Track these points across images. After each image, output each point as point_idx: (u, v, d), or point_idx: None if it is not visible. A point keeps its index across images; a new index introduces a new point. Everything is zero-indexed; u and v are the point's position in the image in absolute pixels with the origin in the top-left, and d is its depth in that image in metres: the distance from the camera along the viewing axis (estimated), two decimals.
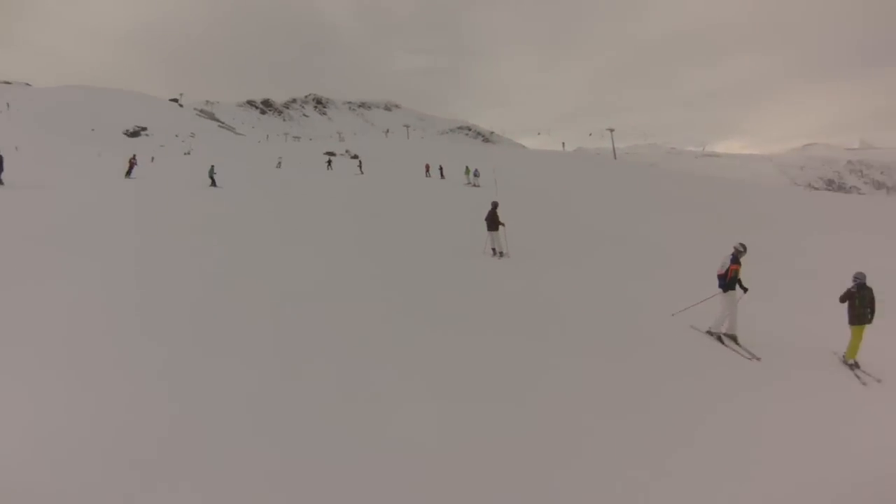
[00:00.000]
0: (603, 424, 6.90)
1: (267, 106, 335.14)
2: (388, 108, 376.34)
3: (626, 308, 12.35)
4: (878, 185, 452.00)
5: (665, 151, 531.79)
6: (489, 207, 16.60)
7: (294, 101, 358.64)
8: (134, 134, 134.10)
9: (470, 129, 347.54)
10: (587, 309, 11.95)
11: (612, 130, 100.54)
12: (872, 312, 10.34)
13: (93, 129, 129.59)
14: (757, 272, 12.17)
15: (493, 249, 16.43)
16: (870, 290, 10.31)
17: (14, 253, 11.82)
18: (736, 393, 8.31)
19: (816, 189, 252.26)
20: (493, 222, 16.31)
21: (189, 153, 54.95)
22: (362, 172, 42.09)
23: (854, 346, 10.26)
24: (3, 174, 21.75)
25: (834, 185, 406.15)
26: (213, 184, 28.91)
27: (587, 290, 13.57)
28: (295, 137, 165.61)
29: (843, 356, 10.36)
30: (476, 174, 39.48)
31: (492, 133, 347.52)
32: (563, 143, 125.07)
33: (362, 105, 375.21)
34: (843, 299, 10.42)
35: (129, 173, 30.96)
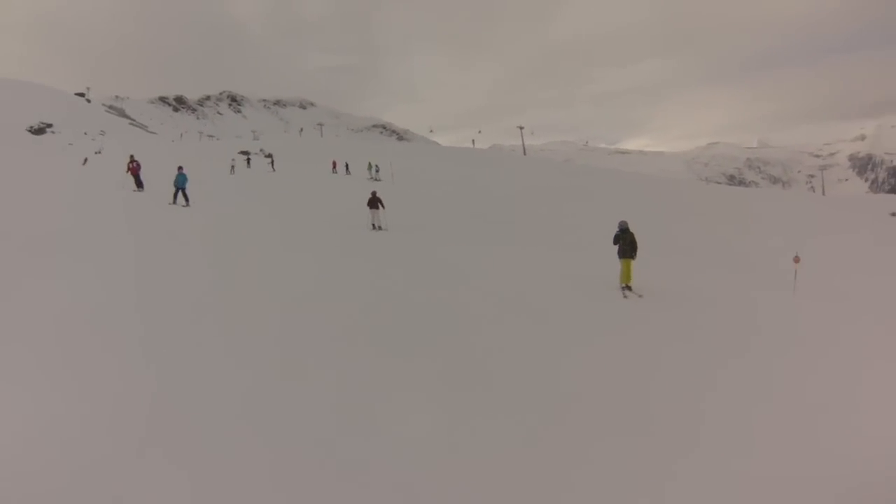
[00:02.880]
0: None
1: (180, 103, 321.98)
2: (303, 106, 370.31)
3: (500, 268, 16.14)
4: (774, 180, 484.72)
5: (579, 148, 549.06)
6: (370, 194, 22.35)
7: (208, 98, 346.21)
8: (39, 131, 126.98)
9: (385, 128, 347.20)
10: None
11: (521, 128, 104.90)
12: (634, 250, 14.38)
13: None
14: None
15: (373, 224, 21.77)
16: (631, 234, 14.55)
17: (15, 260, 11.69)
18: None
19: (719, 183, 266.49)
20: (373, 203, 21.91)
21: (100, 152, 54.65)
22: (274, 170, 44.00)
23: (624, 274, 14.47)
24: None
25: (735, 181, 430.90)
26: (181, 200, 22.43)
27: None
28: (209, 136, 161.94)
29: (620, 282, 14.51)
30: (377, 169, 43.75)
31: (406, 131, 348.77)
32: (474, 140, 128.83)
33: (277, 103, 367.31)
34: (613, 242, 14.68)
35: (139, 184, 25.12)
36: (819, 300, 15.67)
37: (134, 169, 25.41)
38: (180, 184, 22.16)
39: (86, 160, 41.75)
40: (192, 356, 7.40)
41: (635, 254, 14.43)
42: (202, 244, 15.39)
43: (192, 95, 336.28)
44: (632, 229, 14.57)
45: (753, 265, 20.77)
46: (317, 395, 6.95)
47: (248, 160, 48.80)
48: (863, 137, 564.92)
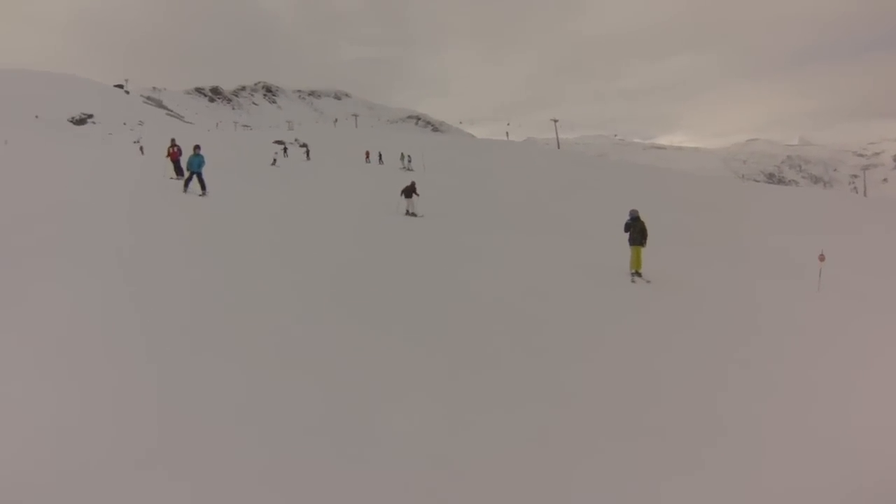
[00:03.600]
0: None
1: (216, 93, 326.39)
2: (337, 97, 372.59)
3: (520, 258, 16.25)
4: (815, 180, 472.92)
5: (613, 143, 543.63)
6: (407, 183, 23.38)
7: (243, 88, 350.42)
8: (80, 122, 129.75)
9: (420, 119, 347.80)
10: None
11: (556, 121, 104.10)
12: (644, 238, 15.10)
13: (36, 117, 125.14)
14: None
15: (407, 210, 22.63)
16: (642, 222, 15.23)
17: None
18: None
19: (757, 181, 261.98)
20: (409, 192, 22.88)
21: (138, 142, 55.48)
22: (309, 159, 44.38)
23: (634, 260, 15.13)
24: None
25: (774, 179, 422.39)
26: (194, 188, 20.00)
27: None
28: (245, 126, 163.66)
29: (630, 269, 15.17)
30: (409, 160, 44.42)
31: (442, 122, 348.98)
32: (507, 133, 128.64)
33: (312, 94, 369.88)
34: (625, 229, 15.36)
35: (179, 171, 22.46)
36: (843, 298, 15.51)
37: (174, 154, 23.13)
38: (195, 167, 19.03)
39: (141, 148, 43.01)
40: (198, 355, 7.05)
41: (645, 241, 15.16)
42: (231, 233, 14.99)
43: (227, 86, 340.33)
44: (645, 219, 15.27)
45: (776, 262, 20.52)
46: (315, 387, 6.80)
47: (285, 149, 49.09)
48: None
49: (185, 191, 18.86)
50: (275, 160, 38.17)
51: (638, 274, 15.08)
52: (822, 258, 16.50)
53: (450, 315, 10.14)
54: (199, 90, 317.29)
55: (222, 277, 10.32)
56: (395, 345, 8.38)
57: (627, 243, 15.34)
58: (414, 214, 22.37)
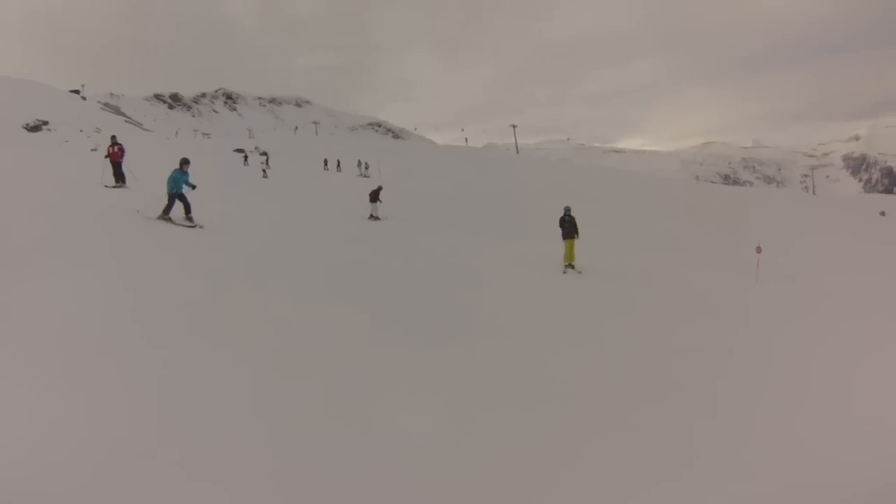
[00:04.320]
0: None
1: (175, 100, 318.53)
2: (298, 104, 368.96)
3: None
4: (769, 180, 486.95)
5: (574, 147, 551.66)
6: (374, 188, 24.99)
7: (203, 95, 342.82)
8: (35, 128, 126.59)
9: (380, 126, 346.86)
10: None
11: (514, 126, 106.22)
12: (576, 232, 16.67)
13: None
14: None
15: (371, 214, 23.88)
16: (573, 218, 16.71)
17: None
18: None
19: (714, 183, 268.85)
20: (374, 196, 24.31)
21: (96, 149, 55.18)
22: (269, 166, 44.34)
23: (567, 254, 16.61)
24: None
25: (730, 180, 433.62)
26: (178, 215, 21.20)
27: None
28: (205, 134, 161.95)
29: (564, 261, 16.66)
30: (366, 166, 46.40)
31: (402, 129, 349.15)
32: (466, 139, 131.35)
33: (273, 101, 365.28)
34: (559, 225, 16.80)
35: (120, 177, 19.48)
36: (777, 285, 17.34)
37: (115, 154, 19.44)
38: (177, 187, 14.75)
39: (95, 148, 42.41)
40: (193, 356, 7.08)
41: (577, 235, 16.69)
42: (199, 241, 14.72)
43: (187, 93, 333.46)
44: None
45: (721, 255, 22.53)
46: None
47: (246, 157, 49.37)
48: (857, 138, 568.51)
49: (163, 217, 14.53)
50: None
51: (571, 266, 16.43)
52: (758, 250, 18.39)
53: (404, 300, 11.34)
54: (158, 97, 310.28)
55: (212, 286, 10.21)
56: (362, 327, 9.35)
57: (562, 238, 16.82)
58: (377, 218, 23.76)
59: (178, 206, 14.81)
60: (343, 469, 5.22)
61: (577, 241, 16.69)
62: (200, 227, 14.54)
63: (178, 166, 15.02)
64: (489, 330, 10.16)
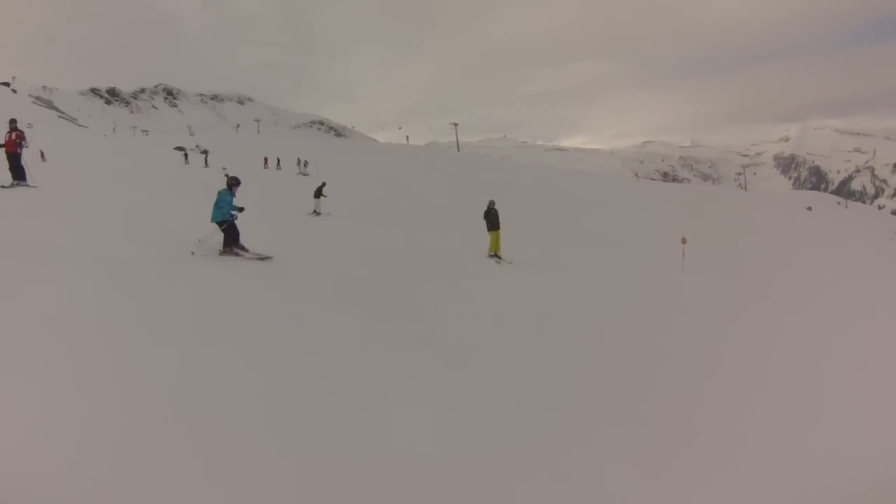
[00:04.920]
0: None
1: (113, 95, 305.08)
2: (241, 101, 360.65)
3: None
4: (706, 178, 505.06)
5: (517, 145, 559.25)
6: (317, 185, 26.47)
7: (143, 90, 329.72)
8: None
9: (322, 124, 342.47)
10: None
11: (456, 125, 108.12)
12: (498, 224, 17.45)
13: None
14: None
15: (314, 210, 25.14)
16: (496, 211, 17.62)
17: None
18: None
19: (654, 180, 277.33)
20: (318, 193, 25.67)
21: (27, 146, 53.45)
22: (207, 165, 44.85)
23: (493, 245, 17.56)
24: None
25: (669, 177, 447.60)
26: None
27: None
28: (144, 131, 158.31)
29: (489, 252, 17.56)
30: (306, 164, 47.43)
31: (345, 127, 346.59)
32: (408, 137, 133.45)
33: (214, 98, 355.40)
34: (484, 217, 17.71)
35: (18, 172, 15.85)
36: (702, 274, 19.79)
37: (10, 144, 15.71)
38: (225, 213, 11.80)
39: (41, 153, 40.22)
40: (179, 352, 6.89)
41: (498, 227, 17.55)
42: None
43: (125, 88, 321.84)
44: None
45: (655, 248, 25.10)
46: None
47: (186, 156, 49.25)
48: (787, 139, 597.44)
49: (228, 251, 11.87)
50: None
51: (498, 256, 17.26)
52: (683, 241, 20.68)
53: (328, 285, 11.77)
54: (94, 91, 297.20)
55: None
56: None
57: (489, 230, 17.66)
58: (319, 213, 24.96)
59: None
60: (343, 468, 5.14)
61: (500, 233, 17.59)
62: (268, 258, 12.01)
63: (226, 188, 12.09)
64: (418, 314, 10.50)
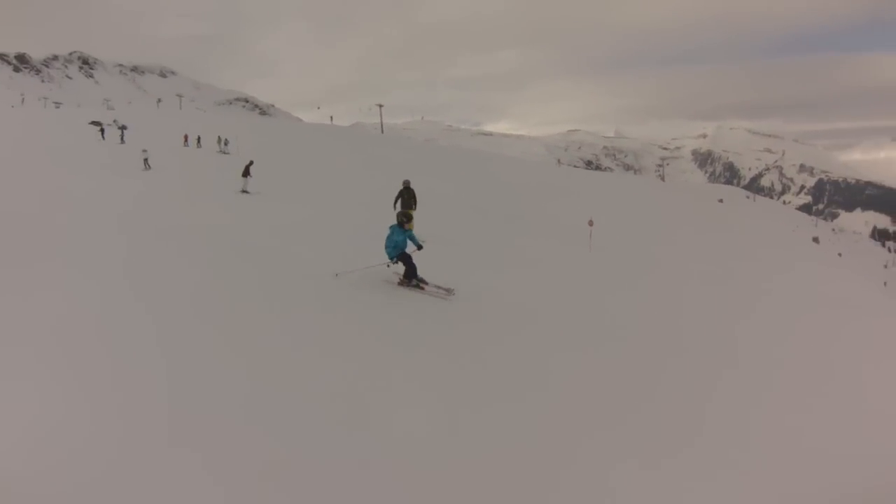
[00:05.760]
0: None
1: (22, 62, 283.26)
2: (163, 74, 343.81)
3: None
4: (627, 168, 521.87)
5: (442, 129, 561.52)
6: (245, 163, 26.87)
7: (55, 58, 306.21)
8: None
9: (247, 101, 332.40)
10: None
11: (381, 106, 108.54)
12: (415, 203, 17.41)
13: None
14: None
15: (243, 189, 25.69)
16: (412, 190, 17.82)
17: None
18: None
19: (577, 167, 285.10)
20: (245, 171, 26.25)
21: None
22: (123, 142, 43.58)
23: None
24: None
25: (592, 166, 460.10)
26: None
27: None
28: (56, 103, 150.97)
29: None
30: (227, 143, 47.43)
31: (270, 106, 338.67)
32: (332, 117, 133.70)
33: (135, 69, 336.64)
34: (395, 200, 17.75)
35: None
36: (605, 254, 21.98)
37: None
38: (400, 243, 11.49)
39: None
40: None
41: (415, 206, 17.36)
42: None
43: (36, 54, 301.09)
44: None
45: (569, 232, 26.96)
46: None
47: (102, 131, 47.46)
48: (704, 136, 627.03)
49: (408, 283, 11.61)
50: (146, 161, 30.76)
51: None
52: (590, 223, 22.89)
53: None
54: (1, 56, 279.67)
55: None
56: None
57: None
58: (247, 192, 25.48)
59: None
60: (342, 467, 5.13)
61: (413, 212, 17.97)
62: (452, 291, 11.41)
63: (396, 223, 11.57)
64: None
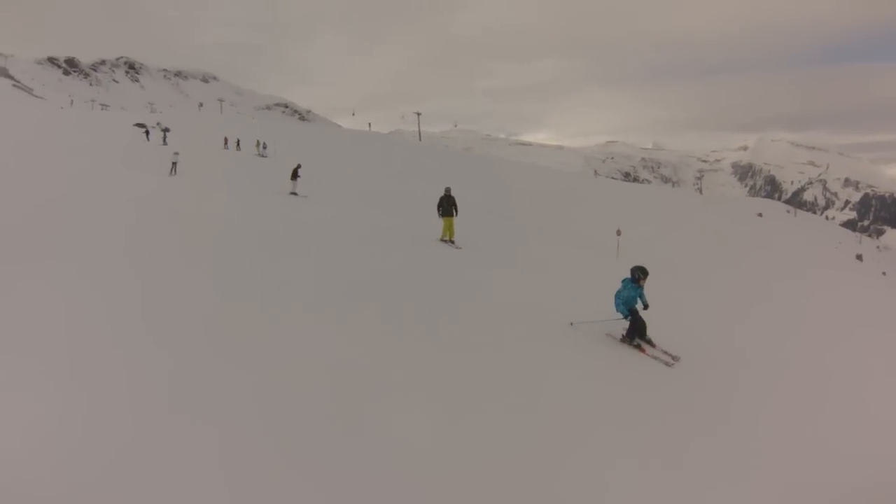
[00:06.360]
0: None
1: (72, 66, 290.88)
2: (205, 79, 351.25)
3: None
4: (666, 180, 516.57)
5: (480, 138, 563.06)
6: (294, 167, 27.44)
7: (103, 62, 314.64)
8: None
9: (287, 107, 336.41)
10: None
11: (419, 114, 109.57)
12: (456, 211, 17.98)
13: None
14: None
15: (293, 192, 26.00)
16: (452, 197, 18.05)
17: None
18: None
19: (615, 179, 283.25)
20: (294, 175, 26.84)
21: None
22: (165, 143, 43.55)
23: (445, 229, 18.02)
24: None
25: (630, 178, 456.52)
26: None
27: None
28: (103, 105, 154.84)
29: (442, 237, 18.11)
30: (265, 146, 48.11)
31: (308, 111, 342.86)
32: (370, 124, 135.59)
33: (178, 74, 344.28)
34: (438, 206, 18.11)
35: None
36: (630, 262, 21.82)
37: None
38: (630, 300, 10.53)
39: None
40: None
41: (456, 213, 18.13)
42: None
43: (85, 59, 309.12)
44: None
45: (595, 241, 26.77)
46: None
47: (147, 133, 48.25)
48: (745, 148, 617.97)
49: (631, 341, 10.58)
50: (174, 165, 28.54)
51: (451, 241, 17.72)
52: (618, 233, 22.61)
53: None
54: (52, 60, 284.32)
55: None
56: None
57: (440, 215, 18.13)
58: (296, 194, 25.68)
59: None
60: (342, 467, 5.15)
61: (455, 220, 18.02)
62: (676, 359, 10.14)
63: (629, 277, 10.70)
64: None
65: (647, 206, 52.92)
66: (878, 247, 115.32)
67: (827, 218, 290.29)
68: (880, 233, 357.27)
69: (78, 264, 9.54)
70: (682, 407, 7.99)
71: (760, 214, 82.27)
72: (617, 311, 10.46)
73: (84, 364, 6.08)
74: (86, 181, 19.26)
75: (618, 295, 10.46)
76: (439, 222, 18.44)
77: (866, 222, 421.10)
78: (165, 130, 50.71)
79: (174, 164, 28.19)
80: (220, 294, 9.37)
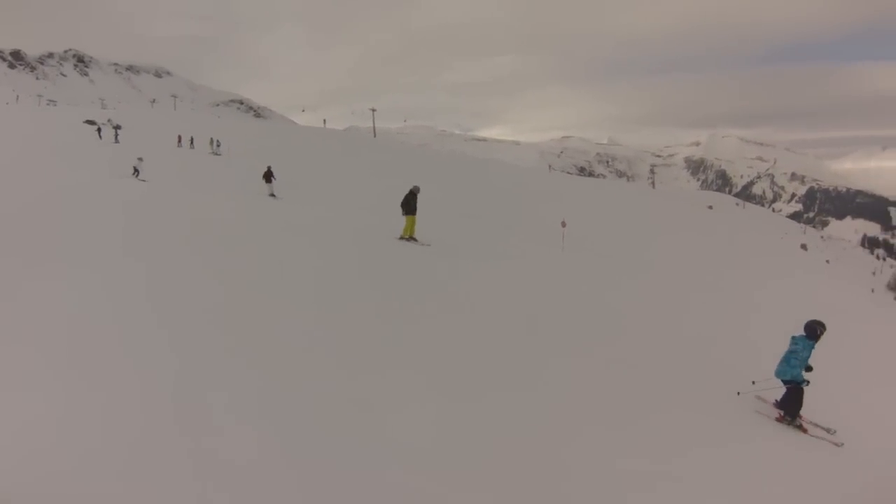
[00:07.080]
0: None
1: (17, 59, 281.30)
2: (158, 74, 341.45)
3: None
4: (620, 174, 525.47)
5: (435, 133, 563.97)
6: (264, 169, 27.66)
7: (50, 55, 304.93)
8: None
9: (242, 103, 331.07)
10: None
11: (373, 110, 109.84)
12: (413, 209, 17.42)
13: None
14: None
15: (271, 194, 26.47)
16: (415, 196, 17.63)
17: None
18: None
19: (570, 174, 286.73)
20: (267, 177, 27.20)
21: None
22: (118, 141, 43.03)
23: (408, 227, 17.55)
24: None
25: (585, 172, 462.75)
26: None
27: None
28: (50, 101, 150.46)
29: (401, 236, 17.51)
30: (218, 144, 47.81)
31: (264, 108, 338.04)
32: (325, 120, 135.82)
33: (130, 68, 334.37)
34: (402, 204, 17.58)
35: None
36: (575, 253, 22.56)
37: None
38: (797, 370, 8.24)
39: None
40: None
41: (415, 211, 17.67)
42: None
43: (31, 51, 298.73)
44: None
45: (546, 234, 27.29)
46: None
47: (99, 130, 47.22)
48: (697, 143, 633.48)
49: (798, 425, 8.36)
50: (136, 170, 26.67)
51: (413, 239, 17.44)
52: (563, 224, 23.48)
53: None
54: None
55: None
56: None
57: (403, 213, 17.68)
58: (274, 196, 25.94)
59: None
60: (342, 467, 5.17)
61: (415, 218, 17.71)
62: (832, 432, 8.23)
63: (803, 335, 8.47)
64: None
65: (601, 200, 54.64)
66: (821, 237, 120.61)
67: (774, 210, 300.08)
68: (825, 224, 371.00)
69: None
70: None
71: (711, 207, 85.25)
72: (786, 377, 8.29)
73: (90, 363, 6.09)
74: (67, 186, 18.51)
75: (792, 356, 8.25)
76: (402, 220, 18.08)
77: (811, 214, 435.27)
78: (117, 128, 49.43)
79: (136, 169, 26.45)
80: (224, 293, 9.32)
